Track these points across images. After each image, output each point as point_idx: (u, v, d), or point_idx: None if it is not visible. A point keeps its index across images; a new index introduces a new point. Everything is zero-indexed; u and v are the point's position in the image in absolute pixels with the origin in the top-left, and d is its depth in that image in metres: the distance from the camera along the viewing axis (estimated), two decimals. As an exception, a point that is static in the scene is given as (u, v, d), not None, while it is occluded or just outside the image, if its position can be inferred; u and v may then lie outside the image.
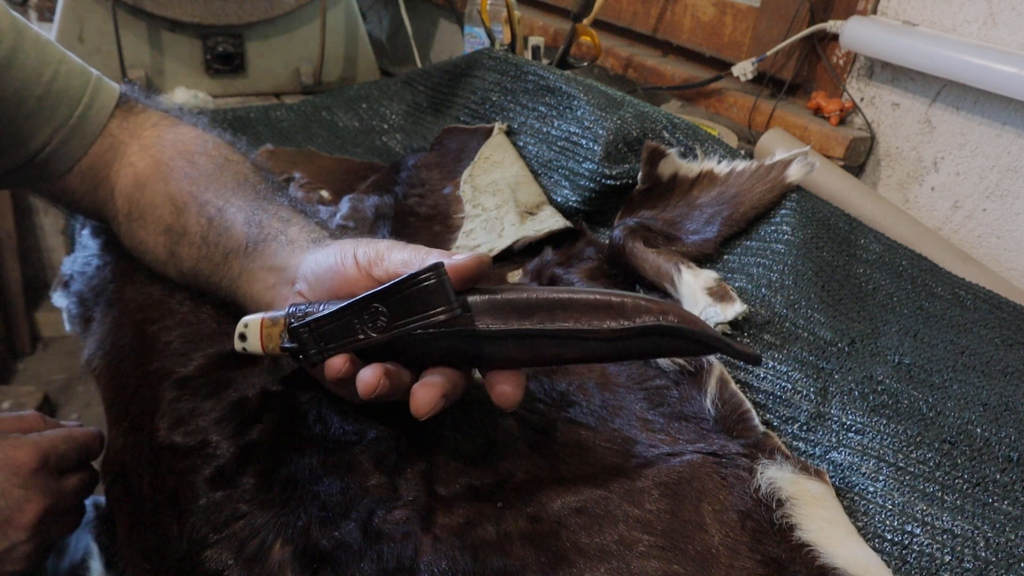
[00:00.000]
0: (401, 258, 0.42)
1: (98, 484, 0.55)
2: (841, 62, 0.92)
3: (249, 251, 0.50)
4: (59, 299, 0.67)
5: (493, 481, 0.43)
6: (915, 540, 0.41)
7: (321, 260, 0.45)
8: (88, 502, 0.64)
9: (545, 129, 0.80)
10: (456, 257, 0.40)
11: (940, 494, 0.43)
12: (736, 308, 0.54)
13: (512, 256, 0.70)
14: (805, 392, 0.50)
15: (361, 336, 0.41)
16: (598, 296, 0.40)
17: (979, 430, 0.46)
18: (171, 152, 0.56)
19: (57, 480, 0.52)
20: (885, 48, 0.82)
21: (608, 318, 0.39)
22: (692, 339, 0.39)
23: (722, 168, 0.68)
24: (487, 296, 0.40)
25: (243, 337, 0.44)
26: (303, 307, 0.44)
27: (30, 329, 2.02)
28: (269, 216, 0.51)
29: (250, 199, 0.53)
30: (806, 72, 0.97)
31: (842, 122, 0.90)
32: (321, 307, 0.43)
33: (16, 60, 0.53)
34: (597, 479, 0.43)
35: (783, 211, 0.63)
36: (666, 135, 0.72)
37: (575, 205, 0.74)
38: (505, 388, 0.40)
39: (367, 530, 0.40)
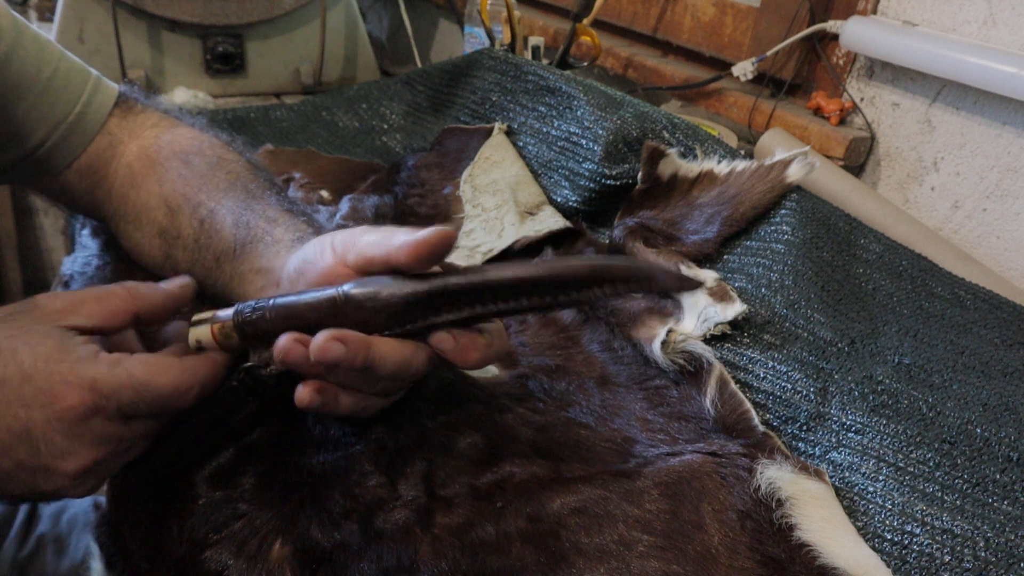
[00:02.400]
0: (370, 239, 0.42)
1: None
2: (841, 62, 0.92)
3: (237, 253, 0.49)
4: (59, 299, 0.67)
5: (493, 481, 0.43)
6: (915, 540, 0.41)
7: (302, 255, 0.45)
8: (88, 502, 0.64)
9: (545, 129, 0.80)
10: (418, 233, 0.40)
11: (940, 494, 0.43)
12: (736, 308, 0.54)
13: (512, 256, 0.70)
14: (805, 392, 0.50)
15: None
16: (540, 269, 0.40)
17: (979, 430, 0.46)
18: (167, 152, 0.56)
19: (119, 424, 0.40)
20: (885, 48, 0.82)
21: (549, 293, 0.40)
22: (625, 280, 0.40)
23: (722, 168, 0.68)
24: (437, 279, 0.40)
25: (200, 348, 0.41)
26: (252, 304, 0.40)
27: (30, 329, 2.02)
28: (256, 217, 0.50)
29: (240, 199, 0.52)
30: (806, 72, 0.97)
31: (842, 122, 0.90)
32: (270, 302, 0.40)
33: (15, 56, 0.53)
34: (597, 479, 0.43)
35: (783, 211, 0.63)
36: (666, 135, 0.72)
37: (575, 205, 0.74)
38: (446, 343, 0.40)
39: (367, 530, 0.40)
